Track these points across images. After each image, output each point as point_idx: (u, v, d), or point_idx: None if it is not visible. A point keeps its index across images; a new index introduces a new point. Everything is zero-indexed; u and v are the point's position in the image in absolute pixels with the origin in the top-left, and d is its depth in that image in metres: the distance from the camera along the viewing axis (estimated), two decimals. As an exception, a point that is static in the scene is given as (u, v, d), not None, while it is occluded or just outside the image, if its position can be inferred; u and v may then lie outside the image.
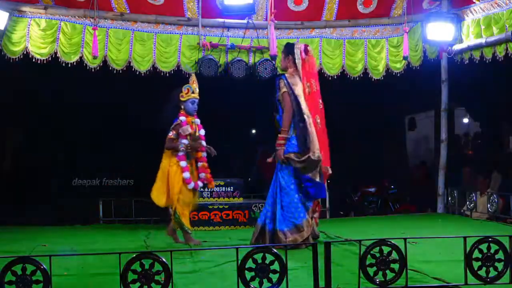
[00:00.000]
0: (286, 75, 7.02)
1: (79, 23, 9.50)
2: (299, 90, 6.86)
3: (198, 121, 7.64)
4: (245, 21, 9.98)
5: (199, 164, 7.62)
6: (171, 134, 7.45)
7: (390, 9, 10.35)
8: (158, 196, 7.45)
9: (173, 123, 7.51)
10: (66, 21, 9.44)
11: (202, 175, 7.61)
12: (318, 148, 6.80)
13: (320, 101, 7.05)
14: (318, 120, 7.03)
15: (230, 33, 10.08)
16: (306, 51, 7.05)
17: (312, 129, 6.80)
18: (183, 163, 7.39)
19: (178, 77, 9.88)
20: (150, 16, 9.81)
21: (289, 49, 7.16)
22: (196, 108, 7.57)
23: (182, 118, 7.49)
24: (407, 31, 10.15)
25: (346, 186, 12.63)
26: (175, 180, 7.39)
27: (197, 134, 7.54)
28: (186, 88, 7.56)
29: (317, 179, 6.82)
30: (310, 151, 6.74)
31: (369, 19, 10.32)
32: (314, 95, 7.02)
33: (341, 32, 10.35)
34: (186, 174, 7.40)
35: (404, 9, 10.19)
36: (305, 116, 6.78)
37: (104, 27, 9.62)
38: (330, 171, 7.10)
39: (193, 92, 7.56)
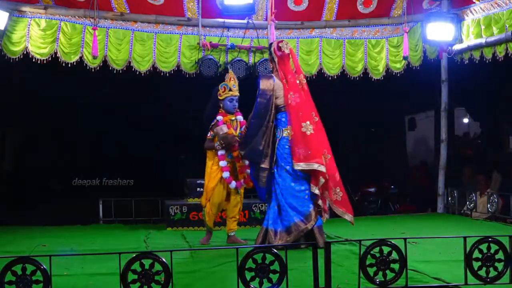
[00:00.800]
0: (261, 77, 7.13)
1: (79, 23, 9.49)
2: (263, 95, 6.88)
3: (240, 117, 7.64)
4: (245, 21, 9.98)
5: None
6: (209, 134, 7.52)
7: (390, 9, 10.35)
8: (202, 196, 7.68)
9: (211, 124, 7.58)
10: (66, 21, 9.44)
11: (248, 171, 7.56)
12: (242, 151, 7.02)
13: (292, 94, 6.87)
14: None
15: (230, 33, 10.09)
16: (278, 48, 7.04)
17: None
18: (222, 163, 7.44)
19: (178, 77, 9.93)
20: (150, 16, 9.80)
21: (268, 49, 7.25)
22: (236, 105, 7.59)
23: (218, 117, 7.54)
24: (407, 31, 10.16)
25: (346, 186, 12.37)
26: (211, 177, 7.51)
27: (238, 132, 7.51)
28: (222, 87, 7.61)
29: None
30: None
31: (369, 19, 10.32)
32: (288, 91, 6.95)
33: (341, 32, 10.35)
34: (226, 174, 7.45)
35: (404, 9, 10.19)
36: (252, 120, 6.93)
37: (104, 27, 9.61)
38: (321, 169, 6.70)
39: (230, 90, 7.59)
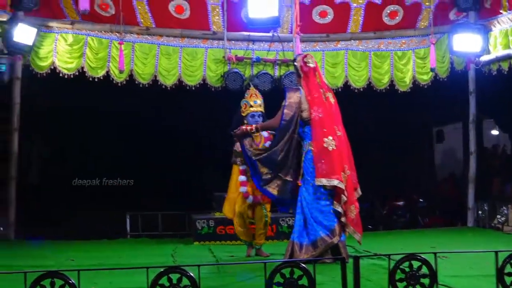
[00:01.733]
0: (288, 89, 7.16)
1: (105, 38, 9.68)
2: (289, 107, 6.84)
3: (264, 133, 7.55)
4: (270, 34, 10.05)
5: None
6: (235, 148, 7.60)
7: (416, 20, 10.36)
8: (225, 207, 7.82)
9: None
10: (93, 36, 9.63)
11: None
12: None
13: (317, 108, 6.78)
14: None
15: (255, 46, 10.18)
16: (304, 63, 6.96)
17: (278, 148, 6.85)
18: (241, 178, 7.53)
19: (204, 90, 10.04)
20: (176, 30, 9.93)
21: (293, 63, 7.23)
22: (258, 120, 7.51)
23: None
24: (433, 42, 10.15)
25: (374, 199, 12.52)
26: (232, 189, 7.68)
27: (261, 147, 7.39)
28: (243, 104, 7.66)
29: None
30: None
31: (395, 30, 10.35)
32: (312, 105, 6.87)
33: (367, 44, 10.38)
34: (243, 188, 7.52)
35: (430, 20, 10.19)
36: (276, 133, 6.93)
37: (130, 41, 9.78)
38: (341, 186, 6.68)
39: (251, 106, 7.60)
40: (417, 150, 13.89)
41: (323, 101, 6.90)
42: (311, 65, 6.97)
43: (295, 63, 7.07)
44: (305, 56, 7.09)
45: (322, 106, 6.85)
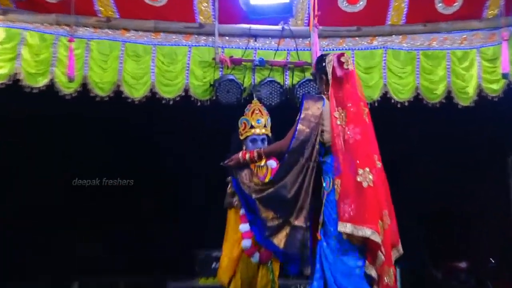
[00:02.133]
0: (306, 97, 6.54)
1: (49, 33, 8.97)
2: (305, 121, 6.23)
3: (272, 163, 7.30)
4: (279, 27, 9.45)
5: None
6: (229, 187, 7.31)
7: (482, 8, 9.64)
8: (221, 269, 7.41)
9: None
10: (32, 30, 8.93)
11: None
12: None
13: (353, 127, 6.19)
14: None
15: (258, 44, 9.52)
16: (340, 64, 6.36)
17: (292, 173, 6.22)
18: (243, 227, 7.04)
19: (187, 106, 9.38)
20: (148, 22, 9.26)
21: (316, 66, 6.64)
22: (261, 147, 7.06)
23: None
24: (506, 38, 9.33)
25: (424, 258, 11.84)
26: (234, 244, 7.27)
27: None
28: (242, 123, 7.49)
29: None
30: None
31: (453, 22, 9.65)
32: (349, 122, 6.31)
33: (414, 41, 9.68)
34: (246, 243, 7.12)
35: (501, 7, 9.46)
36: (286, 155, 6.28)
37: (84, 37, 9.09)
38: (376, 239, 6.03)
39: (252, 127, 7.40)
40: (485, 188, 13.16)
41: (363, 118, 6.34)
42: (350, 67, 6.40)
43: (325, 64, 6.43)
44: (342, 55, 6.48)
45: (360, 125, 6.26)
